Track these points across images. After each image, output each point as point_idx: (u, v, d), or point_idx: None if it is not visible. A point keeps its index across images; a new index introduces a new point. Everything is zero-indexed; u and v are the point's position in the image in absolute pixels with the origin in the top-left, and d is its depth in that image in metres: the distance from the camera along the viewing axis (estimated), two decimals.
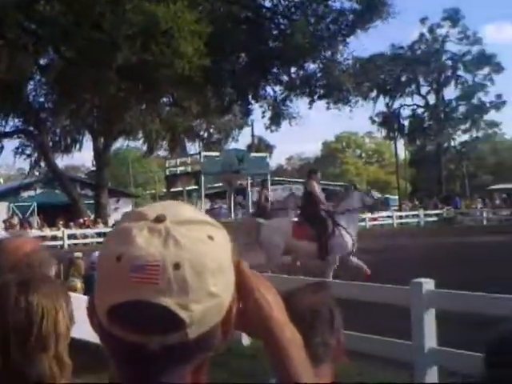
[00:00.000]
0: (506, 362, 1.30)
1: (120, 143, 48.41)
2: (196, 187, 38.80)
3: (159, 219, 0.91)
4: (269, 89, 34.91)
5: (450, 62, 62.58)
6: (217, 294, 0.90)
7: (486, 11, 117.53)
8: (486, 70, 60.99)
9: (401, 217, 45.06)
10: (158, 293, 0.87)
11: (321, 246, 12.03)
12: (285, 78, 33.82)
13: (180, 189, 41.56)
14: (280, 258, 12.20)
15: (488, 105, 61.84)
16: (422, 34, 61.33)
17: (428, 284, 5.51)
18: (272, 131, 37.27)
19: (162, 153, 51.17)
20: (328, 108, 34.97)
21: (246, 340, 6.87)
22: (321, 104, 35.05)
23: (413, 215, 46.27)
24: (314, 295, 1.81)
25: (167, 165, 40.34)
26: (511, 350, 1.29)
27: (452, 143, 65.73)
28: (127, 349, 0.89)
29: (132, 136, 42.63)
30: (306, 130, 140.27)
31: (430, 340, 5.47)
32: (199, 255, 0.90)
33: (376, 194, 14.09)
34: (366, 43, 63.78)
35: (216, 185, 44.66)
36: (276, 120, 36.26)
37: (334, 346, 1.74)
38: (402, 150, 67.21)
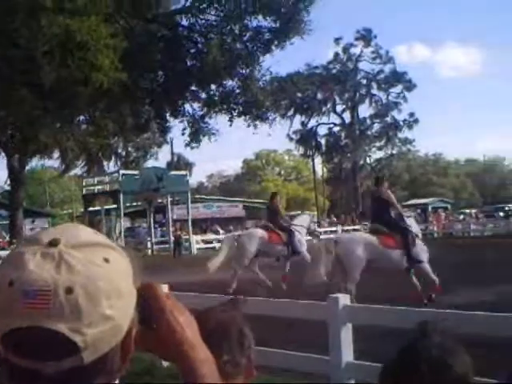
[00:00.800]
0: (400, 372, 1.35)
1: (35, 162, 47.25)
2: (115, 206, 38.26)
3: (53, 243, 0.90)
4: (187, 106, 34.84)
5: (364, 81, 64.24)
6: (112, 317, 0.89)
7: (397, 32, 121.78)
8: (399, 88, 63.02)
9: (319, 233, 45.79)
10: (50, 318, 0.85)
11: (409, 254, 11.69)
12: (203, 95, 33.82)
13: (98, 208, 40.86)
14: (359, 272, 11.44)
15: (402, 123, 63.67)
16: (336, 54, 62.86)
17: (344, 299, 5.60)
18: (192, 148, 37.12)
19: (79, 171, 50.24)
20: (248, 125, 35.17)
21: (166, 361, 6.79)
22: (241, 121, 35.16)
23: (331, 231, 47.14)
24: (225, 313, 1.81)
25: (84, 183, 39.62)
26: (406, 361, 1.34)
27: (367, 160, 67.27)
28: (23, 374, 0.87)
29: (47, 155, 41.61)
30: (226, 148, 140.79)
31: (347, 354, 5.54)
32: (93, 278, 0.88)
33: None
34: (283, 62, 64.31)
35: (135, 204, 44.19)
36: (196, 137, 36.13)
37: (245, 364, 1.74)
38: (319, 167, 68.53)
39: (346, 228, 41.81)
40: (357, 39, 62.39)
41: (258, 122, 34.78)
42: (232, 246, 15.65)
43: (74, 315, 0.85)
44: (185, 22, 32.93)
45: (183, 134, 35.32)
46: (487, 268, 16.26)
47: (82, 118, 35.89)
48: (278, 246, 15.72)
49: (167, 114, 34.53)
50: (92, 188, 38.81)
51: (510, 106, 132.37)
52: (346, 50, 62.62)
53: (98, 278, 0.88)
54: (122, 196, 34.69)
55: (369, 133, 64.73)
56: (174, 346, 0.99)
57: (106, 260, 0.91)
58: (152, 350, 1.01)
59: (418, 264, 11.76)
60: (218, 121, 35.38)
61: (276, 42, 31.52)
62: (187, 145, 35.82)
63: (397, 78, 62.43)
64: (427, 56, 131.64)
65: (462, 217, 50.08)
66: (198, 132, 35.23)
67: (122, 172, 36.77)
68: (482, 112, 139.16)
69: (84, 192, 38.92)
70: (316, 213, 61.00)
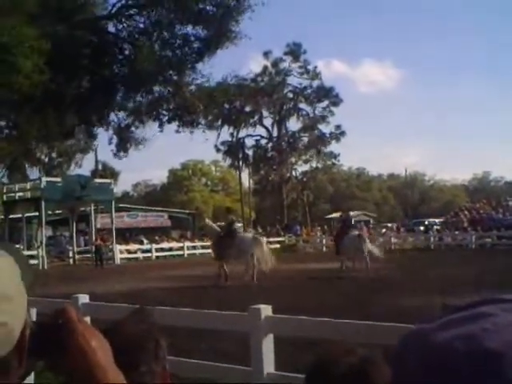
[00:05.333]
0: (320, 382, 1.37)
1: None
2: (36, 214, 37.39)
3: None
4: (113, 115, 34.48)
5: (291, 95, 65.00)
6: (4, 322, 0.86)
7: (316, 48, 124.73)
8: (325, 103, 64.07)
9: None
10: None
11: None
12: (130, 104, 33.51)
13: (19, 215, 39.87)
14: None
15: (328, 136, 64.63)
16: (265, 67, 63.39)
17: (266, 310, 5.61)
18: (120, 158, 36.70)
19: None
20: (178, 131, 35.12)
21: None
22: (169, 131, 35.14)
23: None
24: (139, 324, 1.80)
25: (5, 190, 38.66)
26: (325, 373, 1.36)
27: (294, 173, 67.97)
28: None
29: None
30: (152, 158, 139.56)
31: (268, 365, 5.56)
32: None
33: None
34: (211, 73, 64.19)
35: (58, 211, 43.28)
36: (123, 146, 35.80)
37: (160, 373, 1.75)
38: (246, 178, 68.84)
39: (271, 240, 42.06)
40: (286, 54, 63.28)
41: (191, 128, 34.80)
42: None
43: None
44: (112, 29, 32.59)
45: (110, 143, 35.01)
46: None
47: (2, 123, 34.99)
48: None
49: (93, 121, 34.08)
50: (13, 195, 37.89)
51: (429, 122, 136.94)
52: (275, 64, 63.32)
53: None
54: (43, 203, 33.97)
55: (296, 146, 65.48)
56: (86, 370, 0.96)
57: None
58: (64, 375, 0.98)
59: None
60: (148, 127, 35.10)
61: (206, 51, 31.57)
62: (115, 154, 35.47)
63: (324, 92, 63.49)
64: (344, 71, 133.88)
65: (383, 230, 51.30)
66: (124, 141, 34.92)
67: (44, 179, 36.01)
68: (403, 128, 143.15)
69: (4, 199, 37.94)
70: (242, 224, 61.23)
